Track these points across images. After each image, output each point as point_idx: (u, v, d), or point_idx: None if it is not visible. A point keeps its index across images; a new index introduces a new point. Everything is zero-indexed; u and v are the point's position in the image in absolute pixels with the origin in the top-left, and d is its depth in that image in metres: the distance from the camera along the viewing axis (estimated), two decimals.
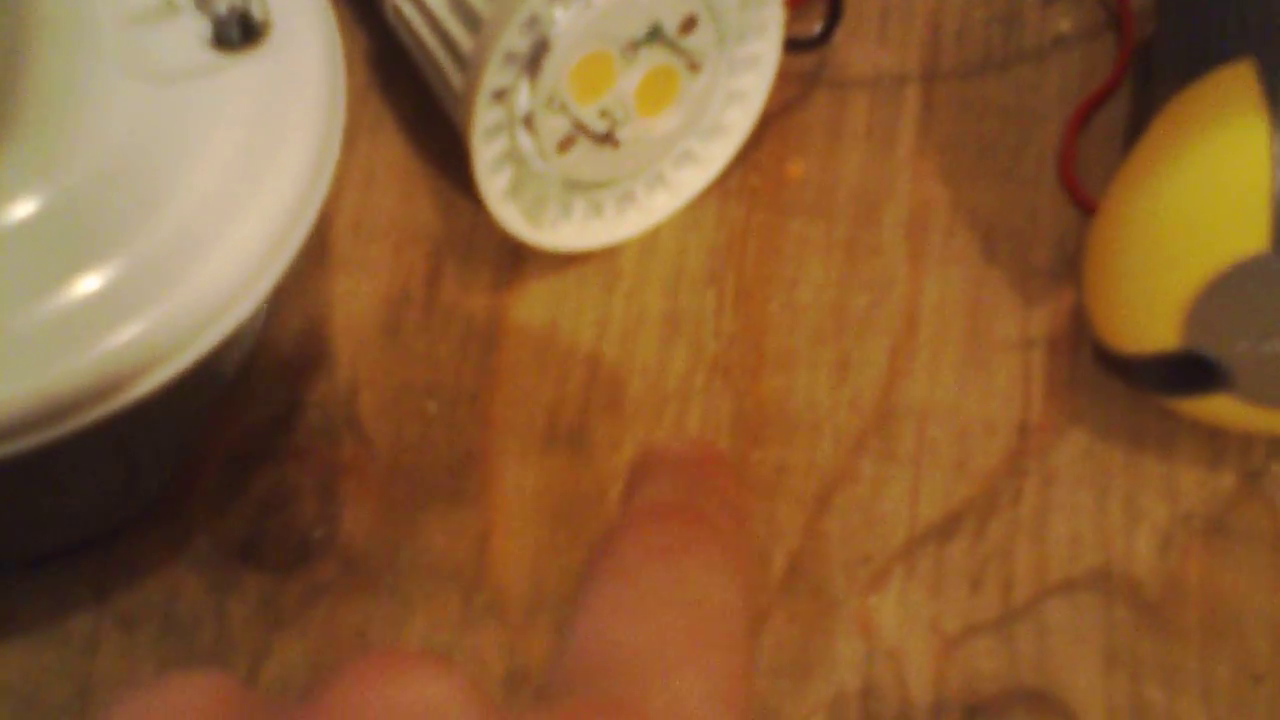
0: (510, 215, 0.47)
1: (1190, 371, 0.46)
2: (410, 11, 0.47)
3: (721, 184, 0.51)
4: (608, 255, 0.50)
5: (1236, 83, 0.44)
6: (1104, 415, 0.49)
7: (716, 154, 0.50)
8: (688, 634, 0.28)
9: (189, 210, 0.39)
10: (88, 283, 0.38)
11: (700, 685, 0.27)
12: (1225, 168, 0.42)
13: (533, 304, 0.49)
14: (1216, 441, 0.49)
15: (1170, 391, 0.47)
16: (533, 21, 0.44)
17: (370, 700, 0.25)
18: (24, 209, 0.38)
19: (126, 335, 0.38)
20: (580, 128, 0.47)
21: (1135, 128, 0.53)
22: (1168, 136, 0.45)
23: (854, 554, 0.47)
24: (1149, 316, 0.45)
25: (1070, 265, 0.50)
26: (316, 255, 0.42)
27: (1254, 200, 0.42)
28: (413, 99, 0.51)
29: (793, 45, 0.50)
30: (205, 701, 0.26)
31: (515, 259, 0.49)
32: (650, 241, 0.50)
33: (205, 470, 0.45)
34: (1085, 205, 0.51)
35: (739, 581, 0.30)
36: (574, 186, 0.48)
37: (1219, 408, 0.47)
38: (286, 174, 0.40)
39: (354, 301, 0.48)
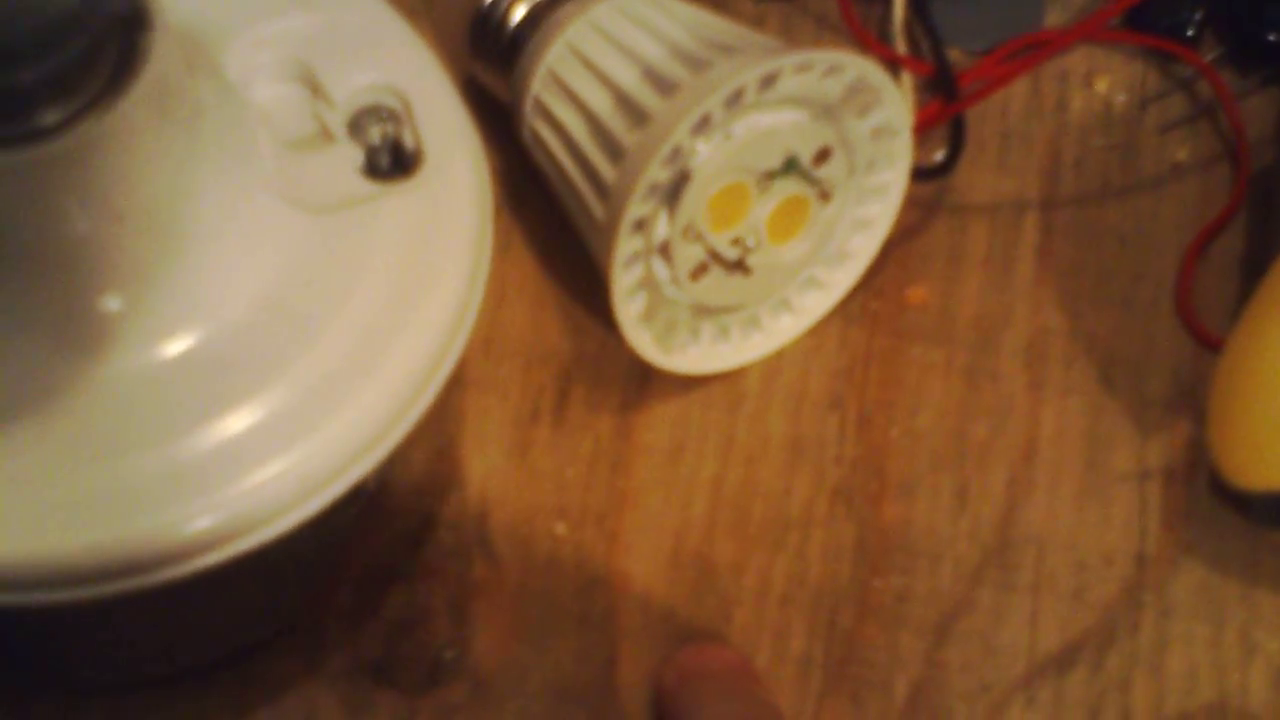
0: (643, 340, 0.48)
1: None
2: (549, 136, 0.48)
3: (844, 308, 0.51)
4: (732, 378, 0.50)
5: None
6: (1219, 548, 0.49)
7: (840, 279, 0.51)
8: None
9: (345, 340, 0.40)
10: (244, 415, 0.38)
11: None
12: None
13: (659, 426, 0.49)
14: None
15: None
16: (676, 154, 0.45)
17: None
18: (186, 341, 0.39)
19: (282, 466, 0.38)
20: (714, 255, 0.47)
21: (1253, 259, 0.53)
22: None
23: (974, 683, 0.47)
24: (1272, 456, 0.45)
25: (1186, 396, 0.51)
26: (451, 374, 0.42)
27: None
28: (543, 218, 0.52)
29: (917, 174, 0.51)
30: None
31: (642, 381, 0.50)
32: (774, 365, 0.51)
33: (340, 588, 0.46)
34: (1201, 336, 0.51)
35: None
36: (703, 312, 0.49)
37: None
38: (438, 302, 0.41)
39: (485, 420, 0.49)
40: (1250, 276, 0.52)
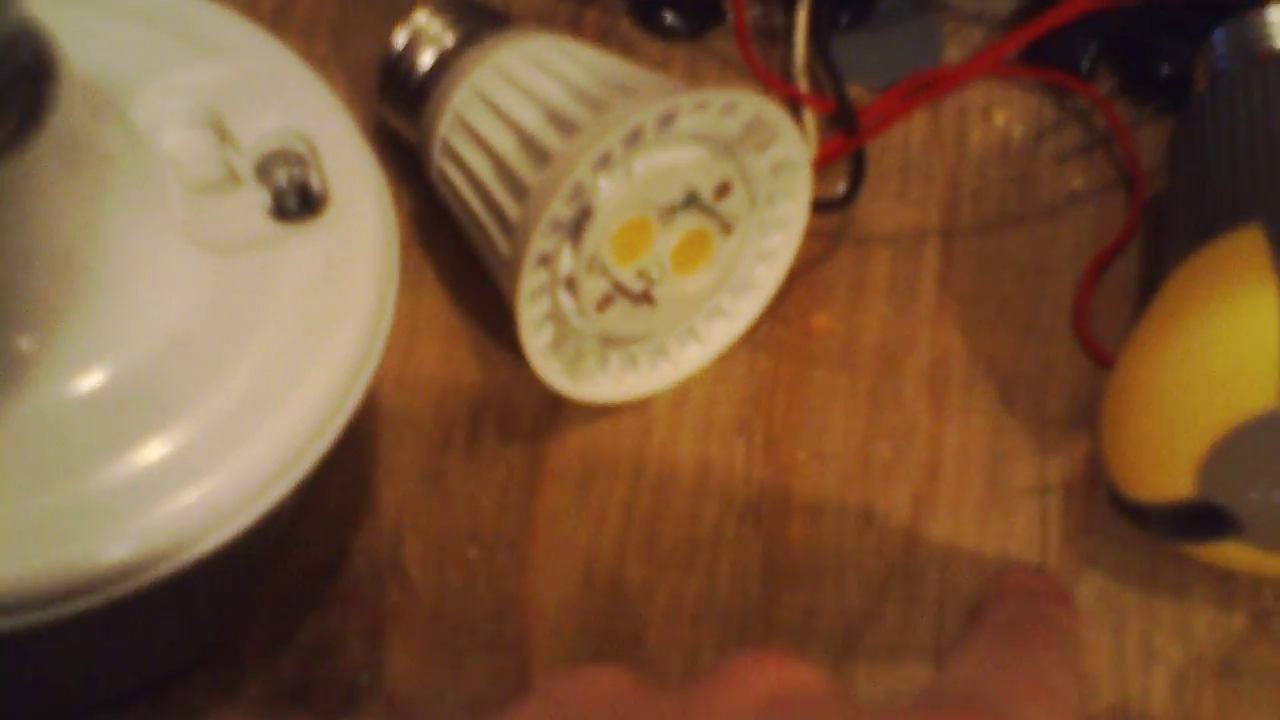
0: (552, 370, 0.49)
1: (1203, 519, 0.48)
2: (456, 176, 0.49)
3: (750, 337, 0.53)
4: (641, 406, 0.52)
5: (1245, 247, 0.46)
6: (1119, 558, 0.51)
7: (745, 309, 0.52)
8: (1037, 694, 0.35)
9: (252, 376, 0.41)
10: (154, 448, 0.40)
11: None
12: (1236, 330, 0.44)
13: (570, 453, 0.51)
14: (1227, 584, 0.50)
15: (1184, 538, 0.49)
16: (578, 190, 0.46)
17: (752, 682, 0.30)
18: (94, 379, 0.40)
19: (191, 498, 0.39)
20: (619, 288, 0.49)
21: (1147, 281, 0.55)
22: (1180, 298, 0.47)
23: (882, 693, 0.48)
24: (1165, 468, 0.47)
25: (1084, 414, 0.52)
26: (362, 407, 0.43)
27: (1263, 360, 0.44)
28: (452, 255, 0.53)
29: (819, 206, 0.53)
30: (604, 686, 0.31)
31: (553, 410, 0.51)
32: (682, 393, 0.52)
33: (256, 617, 0.47)
34: (1099, 357, 0.53)
35: (1072, 679, 0.38)
36: (610, 342, 0.50)
37: (1230, 553, 0.49)
38: (345, 338, 0.42)
39: (398, 451, 0.50)
40: (1145, 298, 0.53)
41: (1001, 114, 0.58)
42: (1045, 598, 0.47)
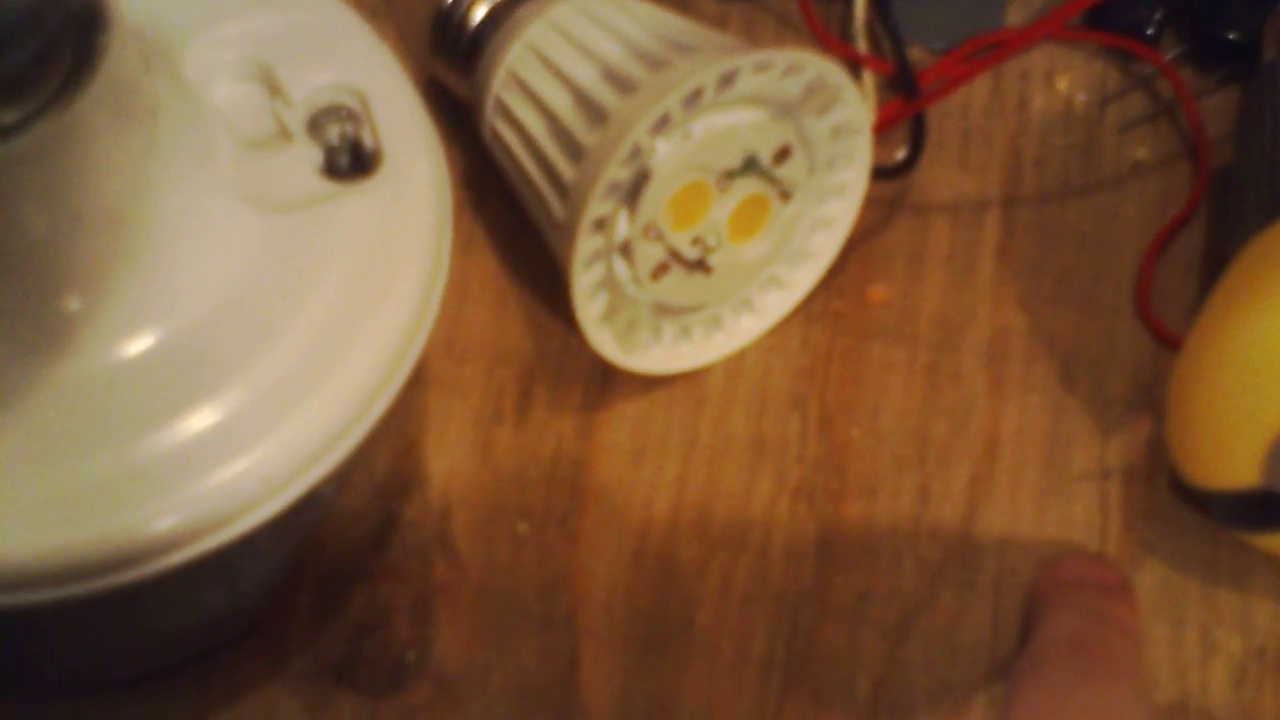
0: (604, 340, 0.48)
1: (1268, 508, 0.46)
2: (510, 136, 0.48)
3: (806, 308, 0.51)
4: (694, 378, 0.50)
5: None
6: (1179, 547, 0.49)
7: (802, 279, 0.51)
8: None
9: (304, 340, 0.40)
10: (203, 415, 0.38)
11: None
12: None
13: (621, 426, 0.49)
14: None
15: (1248, 527, 0.48)
16: (635, 153, 0.45)
17: None
18: (145, 341, 0.39)
19: (241, 467, 0.38)
20: (674, 255, 0.47)
21: (1213, 257, 0.53)
22: (1249, 279, 0.45)
23: (936, 683, 0.47)
24: (1230, 455, 0.46)
25: (1146, 395, 0.51)
26: (412, 374, 0.42)
27: None
28: (504, 218, 0.52)
29: (878, 173, 0.51)
30: None
31: (604, 381, 0.50)
32: (736, 365, 0.51)
33: (301, 590, 0.46)
34: (1161, 335, 0.52)
35: (1142, 709, 0.38)
36: (664, 311, 0.49)
37: None
38: (398, 302, 0.41)
39: (447, 421, 0.49)
40: (1210, 274, 0.52)
41: (1065, 80, 0.56)
42: (1105, 591, 0.46)
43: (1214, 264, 0.53)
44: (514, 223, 0.51)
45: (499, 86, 0.48)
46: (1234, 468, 0.46)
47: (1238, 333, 0.44)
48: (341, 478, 0.43)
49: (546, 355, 0.50)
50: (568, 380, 0.50)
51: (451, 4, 0.50)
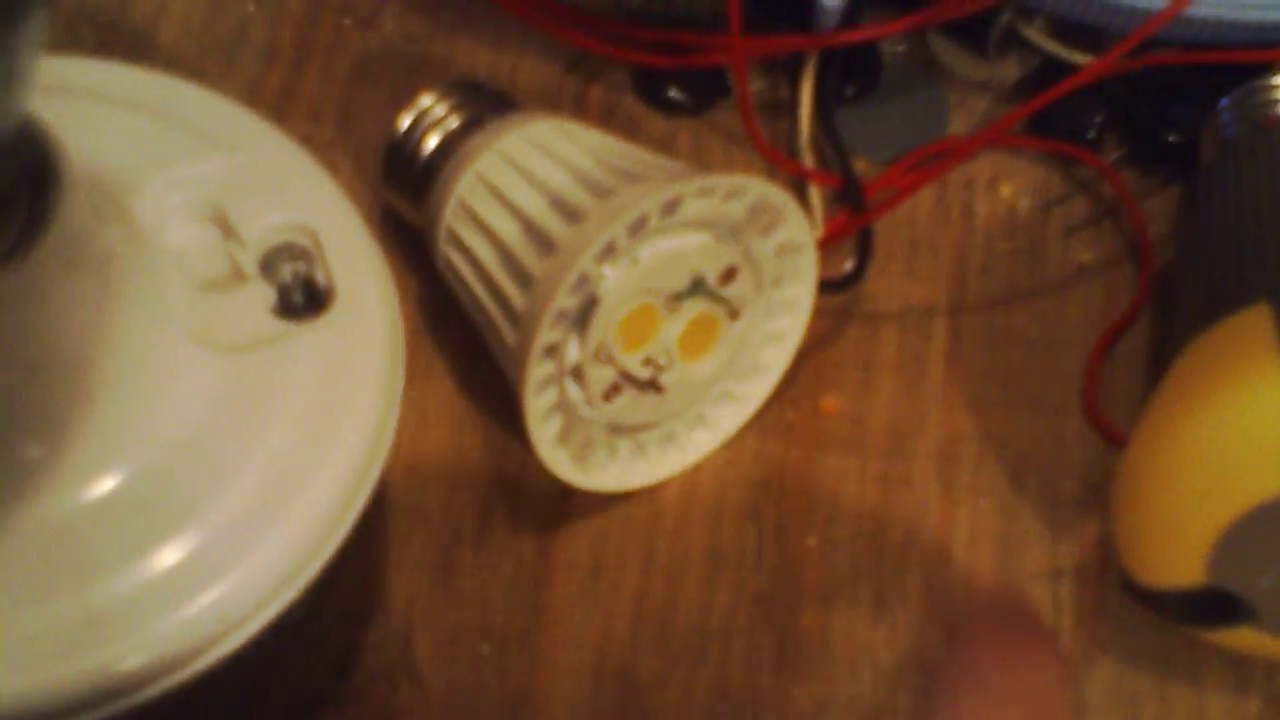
0: (559, 461, 0.49)
1: (1216, 605, 0.47)
2: (462, 264, 0.49)
3: (759, 421, 0.52)
4: (651, 493, 0.51)
5: (1252, 327, 0.45)
6: (1132, 643, 0.50)
7: (754, 392, 0.52)
8: None
9: (260, 478, 0.41)
10: (164, 555, 0.39)
11: None
12: (1244, 414, 0.44)
13: (580, 543, 0.50)
14: (1242, 668, 0.50)
15: (1197, 623, 0.48)
16: (583, 281, 0.46)
17: None
18: (103, 485, 0.40)
19: (202, 605, 0.39)
20: (626, 376, 0.48)
21: (1158, 356, 0.54)
22: (1189, 382, 0.46)
23: None
24: (1175, 554, 0.46)
25: (1096, 494, 0.52)
26: (372, 500, 0.43)
27: (1273, 444, 0.44)
28: (461, 342, 0.52)
29: (826, 286, 0.52)
30: None
31: (563, 500, 0.50)
32: (691, 479, 0.52)
33: (267, 718, 0.47)
34: (1109, 435, 0.53)
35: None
36: (619, 430, 0.50)
37: (1244, 639, 0.48)
38: (353, 437, 0.42)
39: (408, 545, 0.49)
40: (1156, 374, 0.53)
41: (1008, 186, 0.57)
42: (1023, 648, 0.46)
43: (1159, 363, 0.54)
44: (471, 348, 0.52)
45: (450, 216, 0.49)
46: (1181, 566, 0.46)
47: (1179, 435, 0.45)
48: (306, 607, 0.44)
49: (505, 477, 0.51)
50: (526, 501, 0.51)
51: (404, 134, 0.51)
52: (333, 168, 0.46)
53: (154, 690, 0.39)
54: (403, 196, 0.52)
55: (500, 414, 0.52)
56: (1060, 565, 0.51)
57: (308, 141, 0.47)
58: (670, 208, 0.46)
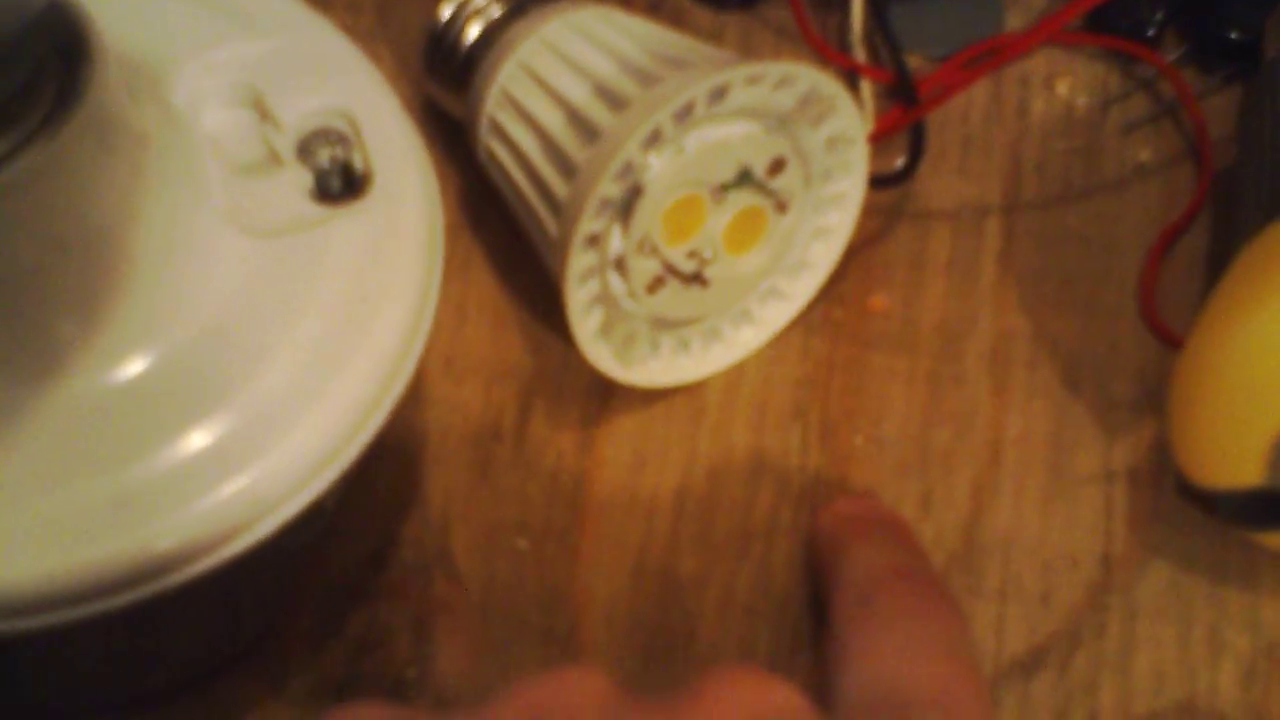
0: (601, 355, 0.48)
1: (1274, 507, 0.46)
2: (504, 155, 0.48)
3: (806, 318, 0.51)
4: (693, 391, 0.50)
5: None
6: (1186, 548, 0.49)
7: (801, 289, 0.51)
8: (955, 673, 0.33)
9: (295, 363, 0.40)
10: (196, 438, 0.39)
11: (973, 707, 0.33)
12: None
13: (621, 440, 0.50)
14: None
15: (1254, 526, 0.47)
16: (627, 169, 0.45)
17: (733, 701, 0.29)
18: (135, 366, 0.39)
19: (234, 488, 0.38)
20: (670, 269, 0.47)
21: (1217, 258, 0.53)
22: (1251, 277, 0.45)
23: None
24: (1234, 454, 0.45)
25: (1151, 398, 0.51)
26: (410, 392, 0.42)
27: None
28: (502, 236, 0.52)
29: (876, 182, 0.51)
30: (584, 695, 0.30)
31: (603, 395, 0.50)
32: (735, 377, 0.51)
33: (302, 609, 0.46)
34: (1166, 337, 0.51)
35: (969, 637, 0.36)
36: (662, 324, 0.49)
37: None
38: (389, 324, 0.41)
39: (446, 439, 0.49)
40: (1214, 275, 0.52)
41: (1065, 84, 0.56)
42: (890, 523, 0.46)
43: (1218, 265, 0.52)
44: (512, 242, 0.51)
45: (493, 106, 0.48)
46: (1238, 467, 0.45)
47: (1239, 331, 0.44)
48: (338, 497, 0.43)
49: (545, 372, 0.50)
50: (567, 396, 0.50)
51: (445, 24, 0.50)
52: (374, 59, 0.45)
53: (184, 575, 0.38)
54: (444, 88, 0.51)
55: (541, 309, 0.51)
56: (1113, 468, 0.50)
57: (348, 32, 0.46)
58: (718, 95, 0.45)
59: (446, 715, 0.30)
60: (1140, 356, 0.52)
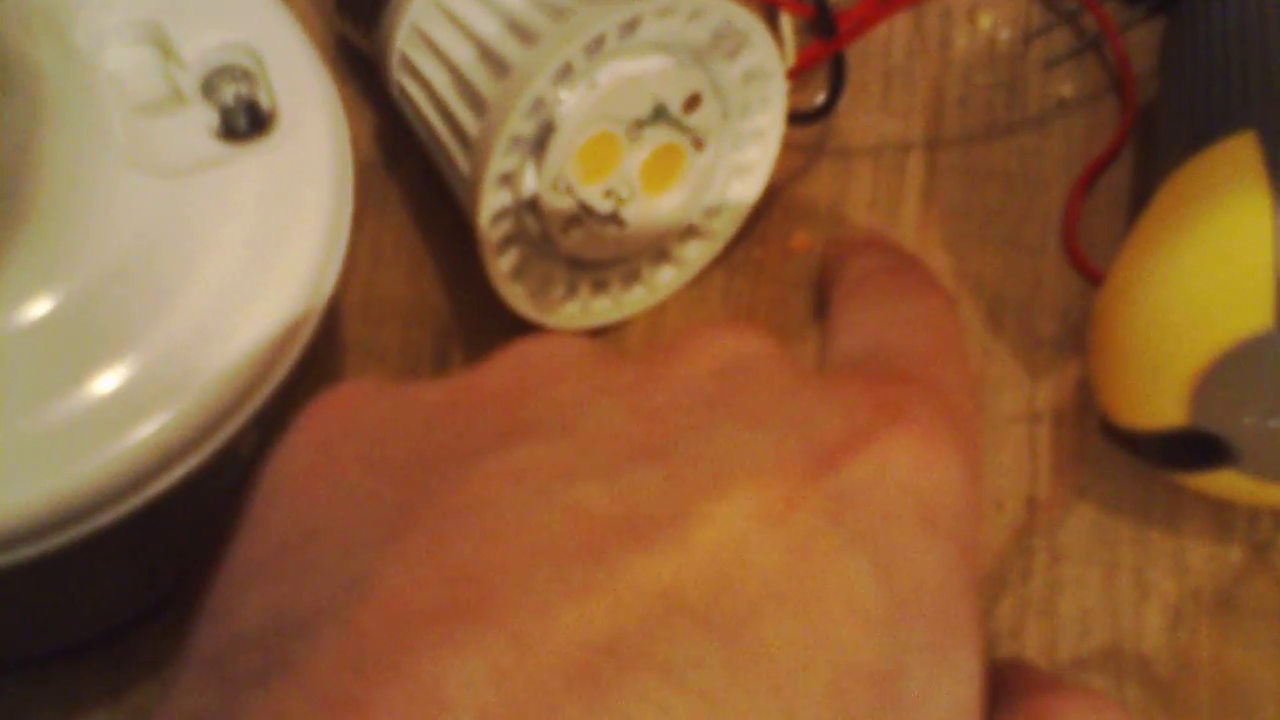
0: (517, 296, 0.47)
1: (1197, 447, 0.46)
2: (415, 92, 0.47)
3: (727, 259, 0.50)
4: (614, 334, 0.50)
5: (1238, 155, 0.44)
6: (1111, 489, 0.49)
7: (721, 228, 0.50)
8: (936, 343, 0.34)
9: (202, 304, 0.39)
10: (102, 382, 0.38)
11: (952, 374, 0.33)
12: (1228, 245, 0.42)
13: None
14: (1223, 515, 0.49)
15: (1177, 467, 0.47)
16: (538, 105, 0.44)
17: (709, 350, 0.30)
18: (36, 309, 0.38)
19: (143, 433, 0.38)
20: (585, 208, 0.47)
21: (1139, 193, 0.53)
22: (1170, 212, 0.45)
23: None
24: (1155, 394, 0.45)
25: (1075, 336, 0.50)
26: (326, 336, 0.41)
27: (1258, 278, 0.42)
28: (418, 175, 0.51)
29: (796, 117, 0.50)
30: (567, 349, 0.32)
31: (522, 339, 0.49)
32: (656, 318, 0.50)
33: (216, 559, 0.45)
34: (1089, 274, 0.51)
35: (958, 320, 0.37)
36: (579, 266, 0.48)
37: (1226, 482, 0.47)
38: (297, 263, 0.41)
39: None
40: (1137, 212, 0.51)
41: (987, 17, 0.55)
42: (886, 249, 0.45)
43: (1140, 200, 0.52)
44: (428, 181, 0.50)
45: (403, 41, 0.47)
46: (1161, 407, 0.45)
47: (1160, 268, 0.44)
48: (252, 445, 0.42)
49: (463, 314, 0.49)
50: (485, 339, 0.49)
51: None
52: None
53: (93, 524, 0.38)
54: (355, 26, 0.50)
55: (459, 251, 0.50)
56: (1038, 408, 0.49)
57: None
58: (629, 28, 0.44)
59: (444, 379, 0.32)
60: (1064, 294, 0.51)
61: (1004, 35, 0.55)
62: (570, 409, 0.29)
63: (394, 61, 0.48)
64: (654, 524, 0.26)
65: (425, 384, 0.31)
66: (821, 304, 0.45)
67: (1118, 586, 0.48)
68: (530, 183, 0.45)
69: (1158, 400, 0.45)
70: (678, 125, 0.47)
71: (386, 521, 0.26)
